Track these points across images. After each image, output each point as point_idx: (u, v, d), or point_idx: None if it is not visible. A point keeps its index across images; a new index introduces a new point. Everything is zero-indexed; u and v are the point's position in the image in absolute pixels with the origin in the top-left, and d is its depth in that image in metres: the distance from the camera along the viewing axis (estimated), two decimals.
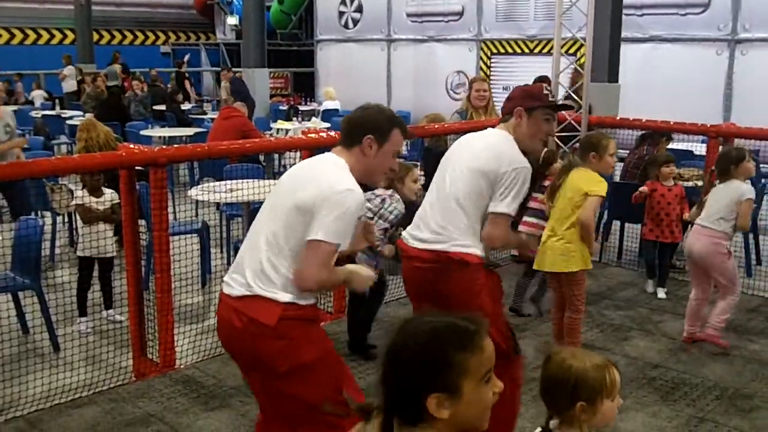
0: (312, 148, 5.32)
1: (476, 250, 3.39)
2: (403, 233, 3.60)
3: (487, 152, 3.43)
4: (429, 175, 6.90)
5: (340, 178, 2.78)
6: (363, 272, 2.92)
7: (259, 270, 2.76)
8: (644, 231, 6.37)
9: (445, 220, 3.40)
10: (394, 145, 2.95)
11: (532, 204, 5.42)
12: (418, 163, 8.05)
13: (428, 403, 1.56)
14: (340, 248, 2.75)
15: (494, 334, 3.32)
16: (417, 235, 3.49)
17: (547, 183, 5.77)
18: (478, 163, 3.40)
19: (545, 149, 6.03)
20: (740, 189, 4.97)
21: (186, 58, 19.78)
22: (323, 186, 2.74)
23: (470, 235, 3.38)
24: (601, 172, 4.68)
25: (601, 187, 4.55)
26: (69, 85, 17.89)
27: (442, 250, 3.37)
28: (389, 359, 1.63)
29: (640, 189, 6.18)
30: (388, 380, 1.62)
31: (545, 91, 3.58)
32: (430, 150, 7.03)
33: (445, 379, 1.57)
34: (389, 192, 4.79)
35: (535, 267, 4.89)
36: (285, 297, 2.74)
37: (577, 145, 5.16)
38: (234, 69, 16.71)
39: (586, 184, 4.55)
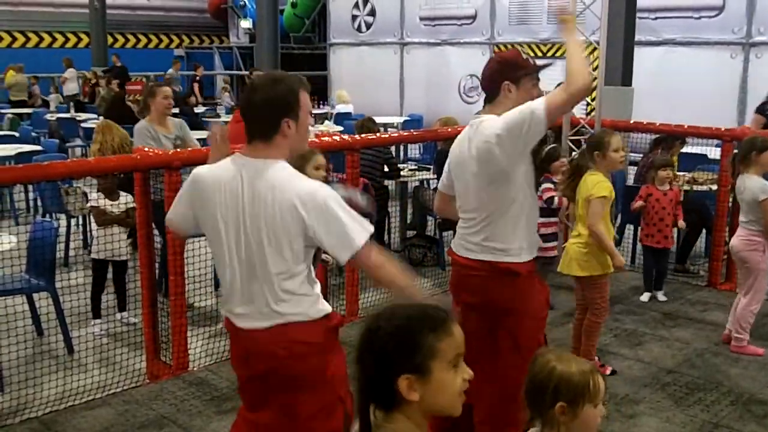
0: (324, 151, 5.33)
1: (521, 255, 3.22)
2: (453, 241, 3.47)
3: (477, 144, 3.20)
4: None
5: None
6: None
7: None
8: (641, 236, 6.36)
9: (483, 229, 3.25)
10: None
11: (544, 194, 5.48)
12: (431, 167, 8.07)
13: (399, 384, 1.63)
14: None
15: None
16: (463, 244, 3.35)
17: (554, 178, 5.80)
18: (476, 161, 3.20)
19: (551, 145, 6.04)
20: (754, 191, 4.94)
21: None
22: None
23: (513, 234, 3.19)
24: (610, 169, 4.66)
25: (599, 188, 4.51)
26: (69, 89, 18.06)
27: (489, 261, 3.24)
28: (364, 342, 1.70)
29: (634, 205, 6.18)
30: (363, 363, 1.70)
31: (524, 56, 3.28)
32: (442, 153, 7.03)
33: (416, 360, 1.64)
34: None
35: (558, 269, 4.88)
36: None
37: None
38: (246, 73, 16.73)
39: (587, 189, 4.56)
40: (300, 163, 4.40)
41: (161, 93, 6.14)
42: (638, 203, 6.16)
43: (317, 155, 4.45)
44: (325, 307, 2.69)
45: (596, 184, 4.53)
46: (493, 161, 3.15)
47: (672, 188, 6.16)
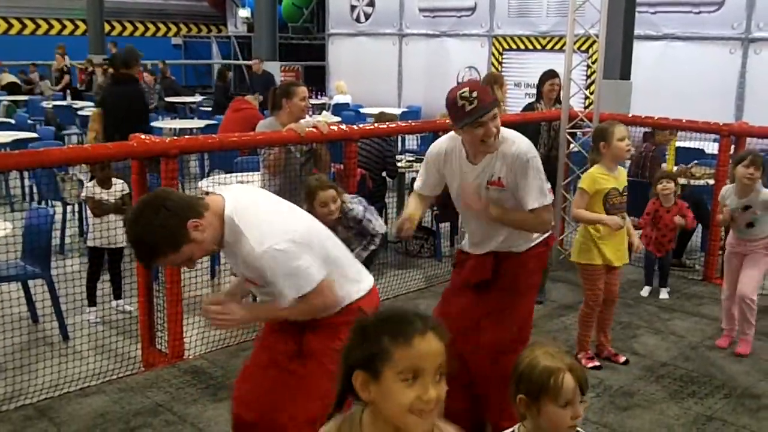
0: (322, 142, 5.32)
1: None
2: None
3: None
4: None
5: None
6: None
7: None
8: (642, 237, 6.32)
9: None
10: None
11: None
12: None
13: (354, 377, 1.63)
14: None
15: None
16: None
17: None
18: None
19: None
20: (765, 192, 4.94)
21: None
22: None
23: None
24: (617, 160, 4.64)
25: (582, 180, 4.64)
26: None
27: None
28: (353, 329, 1.71)
29: (641, 223, 6.16)
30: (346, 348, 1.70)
31: (459, 103, 3.18)
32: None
33: (371, 357, 1.61)
34: (336, 204, 4.54)
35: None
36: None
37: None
38: (244, 62, 16.68)
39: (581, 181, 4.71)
40: (310, 199, 4.49)
41: (299, 94, 5.25)
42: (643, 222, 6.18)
43: (326, 191, 4.46)
44: (362, 288, 2.83)
45: (583, 177, 4.66)
46: None
47: (676, 203, 6.10)
